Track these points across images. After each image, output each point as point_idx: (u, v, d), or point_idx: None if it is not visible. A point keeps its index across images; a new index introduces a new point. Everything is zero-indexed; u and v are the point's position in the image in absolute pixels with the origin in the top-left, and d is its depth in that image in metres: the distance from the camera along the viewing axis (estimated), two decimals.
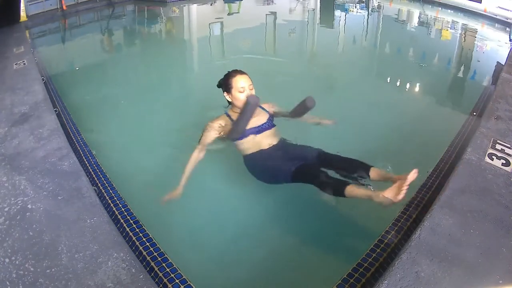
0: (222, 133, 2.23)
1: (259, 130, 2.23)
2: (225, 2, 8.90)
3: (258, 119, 2.26)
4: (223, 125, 2.23)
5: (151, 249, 1.64)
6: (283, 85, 3.82)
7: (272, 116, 2.37)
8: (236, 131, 2.18)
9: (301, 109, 2.26)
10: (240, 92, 2.16)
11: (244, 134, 2.19)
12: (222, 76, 2.31)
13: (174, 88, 4.03)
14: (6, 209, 1.76)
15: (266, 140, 2.21)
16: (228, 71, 2.27)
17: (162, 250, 1.63)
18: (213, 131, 2.21)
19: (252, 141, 2.20)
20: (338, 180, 1.88)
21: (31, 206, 1.77)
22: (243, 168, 2.22)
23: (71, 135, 2.62)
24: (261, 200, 2.22)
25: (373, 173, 1.94)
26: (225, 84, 2.23)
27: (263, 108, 2.37)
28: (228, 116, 2.28)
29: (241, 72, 2.22)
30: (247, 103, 2.09)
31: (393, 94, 3.91)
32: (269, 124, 2.28)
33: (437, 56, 5.42)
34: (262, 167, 2.14)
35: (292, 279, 1.73)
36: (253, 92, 2.20)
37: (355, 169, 1.99)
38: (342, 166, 2.03)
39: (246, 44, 5.86)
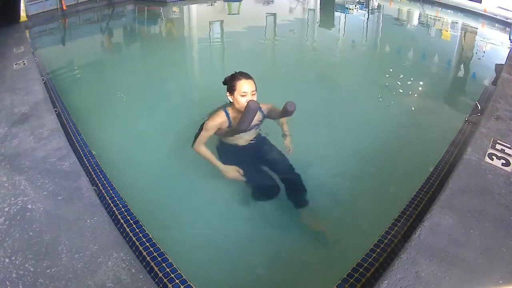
0: (218, 132, 2.27)
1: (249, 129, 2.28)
2: (225, 1, 8.91)
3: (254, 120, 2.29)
4: (221, 122, 2.24)
5: (151, 249, 1.64)
6: (282, 84, 3.82)
7: (265, 117, 2.39)
8: (235, 133, 2.22)
9: (284, 112, 2.25)
10: (242, 96, 2.14)
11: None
12: (223, 75, 2.29)
13: (174, 88, 4.03)
14: (6, 209, 1.76)
15: (246, 137, 2.31)
16: (235, 72, 2.23)
17: (162, 250, 1.63)
18: (211, 131, 2.24)
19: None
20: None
21: (31, 206, 1.77)
22: None
23: (71, 135, 2.62)
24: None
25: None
26: (229, 84, 2.21)
27: (260, 110, 2.36)
28: (226, 114, 2.26)
29: (246, 77, 2.18)
30: (247, 109, 2.08)
31: (393, 94, 3.90)
32: (259, 125, 2.35)
33: (437, 56, 5.42)
34: (233, 160, 2.25)
35: (292, 279, 1.73)
36: (255, 97, 2.18)
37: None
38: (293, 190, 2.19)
39: (246, 44, 5.86)
